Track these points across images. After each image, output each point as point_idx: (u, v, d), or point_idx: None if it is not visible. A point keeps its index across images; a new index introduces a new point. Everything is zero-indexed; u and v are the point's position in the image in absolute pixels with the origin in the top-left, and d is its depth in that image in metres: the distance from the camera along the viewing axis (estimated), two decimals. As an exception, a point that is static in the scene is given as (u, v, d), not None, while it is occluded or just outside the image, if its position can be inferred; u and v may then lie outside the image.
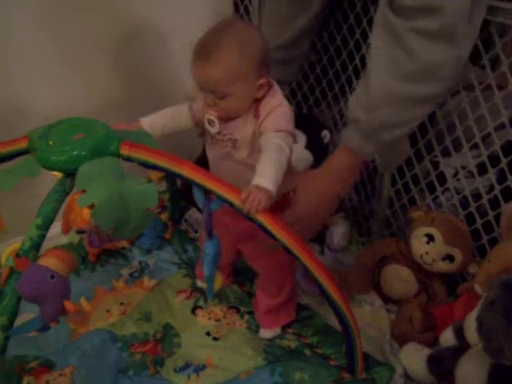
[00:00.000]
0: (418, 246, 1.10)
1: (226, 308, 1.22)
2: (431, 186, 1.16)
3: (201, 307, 1.22)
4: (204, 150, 1.01)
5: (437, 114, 1.07)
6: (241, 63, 0.84)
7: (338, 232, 1.35)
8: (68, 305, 0.81)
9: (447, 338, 0.99)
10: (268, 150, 0.84)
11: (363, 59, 1.17)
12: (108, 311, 1.21)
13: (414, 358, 1.04)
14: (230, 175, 0.93)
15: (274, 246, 0.84)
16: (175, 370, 1.07)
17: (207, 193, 0.82)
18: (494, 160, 1.01)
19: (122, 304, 1.22)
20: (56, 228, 0.84)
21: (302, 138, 1.23)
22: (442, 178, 1.14)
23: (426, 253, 1.09)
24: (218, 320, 1.19)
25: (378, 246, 1.21)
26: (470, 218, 1.10)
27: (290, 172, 0.99)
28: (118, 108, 1.38)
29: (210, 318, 1.19)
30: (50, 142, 0.80)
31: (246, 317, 1.19)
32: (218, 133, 0.92)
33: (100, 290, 1.25)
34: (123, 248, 1.36)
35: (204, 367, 1.08)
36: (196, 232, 1.40)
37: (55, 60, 1.26)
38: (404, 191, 1.22)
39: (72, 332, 1.14)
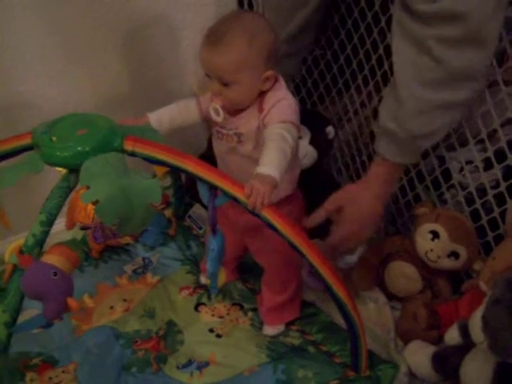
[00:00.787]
0: (423, 242, 1.09)
1: (229, 305, 1.21)
2: (436, 183, 1.15)
3: (204, 304, 1.22)
4: (208, 147, 1.00)
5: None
6: (250, 52, 0.84)
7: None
8: (71, 301, 0.81)
9: (452, 335, 0.98)
10: (271, 139, 0.83)
11: (368, 54, 1.16)
12: (111, 308, 1.20)
13: (418, 355, 1.03)
14: (236, 170, 0.94)
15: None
16: (178, 367, 1.07)
17: (212, 188, 0.82)
18: (501, 155, 1.00)
19: (125, 300, 1.22)
20: (60, 224, 0.84)
21: (306, 133, 1.22)
22: (447, 175, 1.13)
23: (431, 250, 1.08)
24: (221, 317, 1.18)
25: (383, 244, 1.20)
26: (475, 215, 1.09)
27: (295, 166, 0.98)
28: (124, 104, 1.38)
29: (213, 315, 1.19)
30: (54, 138, 0.80)
31: (250, 314, 1.19)
32: (223, 127, 0.92)
33: (103, 287, 1.25)
34: (127, 244, 1.36)
35: (207, 364, 1.08)
36: (200, 228, 1.39)
37: (60, 56, 1.26)
38: (409, 188, 1.21)
39: (75, 329, 1.14)
